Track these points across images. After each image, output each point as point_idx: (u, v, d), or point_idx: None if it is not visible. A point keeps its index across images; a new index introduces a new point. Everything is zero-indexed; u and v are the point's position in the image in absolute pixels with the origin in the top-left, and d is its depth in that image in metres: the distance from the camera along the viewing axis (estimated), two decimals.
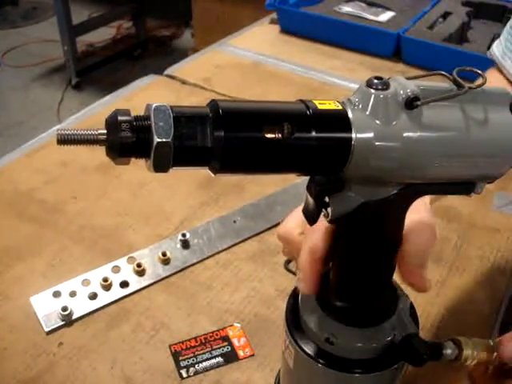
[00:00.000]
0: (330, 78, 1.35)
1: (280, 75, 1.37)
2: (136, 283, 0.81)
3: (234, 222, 0.92)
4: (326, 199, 0.43)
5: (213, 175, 0.38)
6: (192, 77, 1.32)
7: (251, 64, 1.41)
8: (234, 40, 1.54)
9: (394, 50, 1.44)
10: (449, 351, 0.50)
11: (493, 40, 1.38)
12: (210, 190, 0.99)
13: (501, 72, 0.84)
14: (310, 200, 0.43)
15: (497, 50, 0.85)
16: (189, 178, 1.01)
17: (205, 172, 1.08)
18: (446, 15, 1.52)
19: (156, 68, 1.36)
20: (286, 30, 1.56)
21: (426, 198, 0.55)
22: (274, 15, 1.61)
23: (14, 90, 3.28)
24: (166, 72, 1.34)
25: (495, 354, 0.52)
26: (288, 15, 1.55)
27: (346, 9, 1.54)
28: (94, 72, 3.40)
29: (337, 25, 1.49)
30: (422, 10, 1.55)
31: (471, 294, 0.83)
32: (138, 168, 1.00)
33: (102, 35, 3.62)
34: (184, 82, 1.30)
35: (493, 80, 0.79)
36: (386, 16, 1.52)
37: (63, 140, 0.35)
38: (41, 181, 1.00)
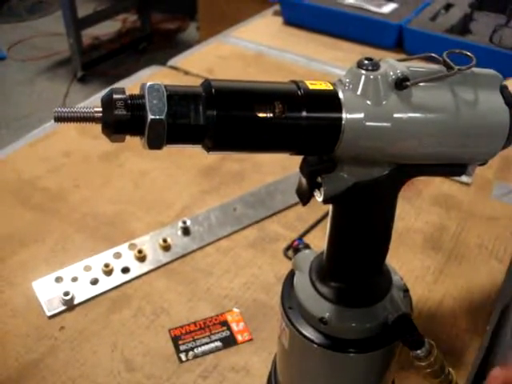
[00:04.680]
0: (332, 69, 1.36)
1: (282, 66, 1.37)
2: (137, 269, 0.82)
3: (235, 209, 0.93)
4: (319, 179, 0.43)
5: (206, 153, 0.38)
6: (195, 68, 1.32)
7: (254, 55, 1.41)
8: (236, 31, 1.55)
9: (397, 41, 1.44)
10: (426, 346, 0.51)
11: (494, 32, 1.38)
12: (211, 178, 1.00)
13: None
14: (303, 180, 0.44)
15: None
16: (190, 167, 1.02)
17: (206, 161, 1.08)
18: (448, 6, 1.52)
19: (161, 61, 1.36)
20: (289, 22, 1.57)
21: None
22: (277, 7, 1.62)
23: (19, 83, 3.29)
24: (169, 63, 1.35)
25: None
26: (291, 7, 1.56)
27: (349, 0, 1.54)
28: (100, 65, 3.41)
29: (339, 16, 1.49)
30: (424, 1, 1.55)
31: (469, 282, 0.83)
32: (141, 157, 1.02)
33: (107, 28, 3.62)
34: (187, 73, 1.31)
35: None
36: (388, 7, 1.52)
37: (60, 118, 0.36)
38: (44, 169, 1.02)
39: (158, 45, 3.66)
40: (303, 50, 1.44)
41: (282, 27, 1.57)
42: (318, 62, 1.39)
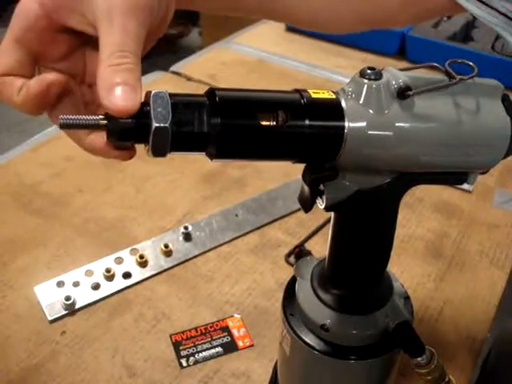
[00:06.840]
0: (334, 76, 1.36)
1: (284, 73, 1.38)
2: (138, 274, 0.83)
3: (236, 215, 0.93)
4: (321, 187, 0.44)
5: (210, 161, 0.39)
6: (197, 73, 1.33)
7: (256, 61, 1.42)
8: (239, 37, 1.55)
9: (399, 49, 1.45)
10: (427, 354, 0.51)
11: (497, 39, 1.39)
12: (212, 184, 1.00)
13: None
14: (305, 188, 0.44)
15: None
16: (192, 173, 1.03)
17: (208, 166, 1.08)
18: None
19: (163, 66, 1.37)
20: (291, 28, 1.57)
21: None
22: None
23: None
24: (171, 68, 1.36)
25: None
26: None
27: None
28: None
29: None
30: None
31: (470, 289, 0.83)
32: (143, 162, 1.02)
33: None
34: (189, 79, 1.31)
35: None
36: None
37: (65, 125, 0.37)
38: (46, 174, 1.02)
39: (161, 50, 3.66)
40: (305, 56, 1.45)
41: (284, 34, 1.57)
42: (320, 69, 1.40)
